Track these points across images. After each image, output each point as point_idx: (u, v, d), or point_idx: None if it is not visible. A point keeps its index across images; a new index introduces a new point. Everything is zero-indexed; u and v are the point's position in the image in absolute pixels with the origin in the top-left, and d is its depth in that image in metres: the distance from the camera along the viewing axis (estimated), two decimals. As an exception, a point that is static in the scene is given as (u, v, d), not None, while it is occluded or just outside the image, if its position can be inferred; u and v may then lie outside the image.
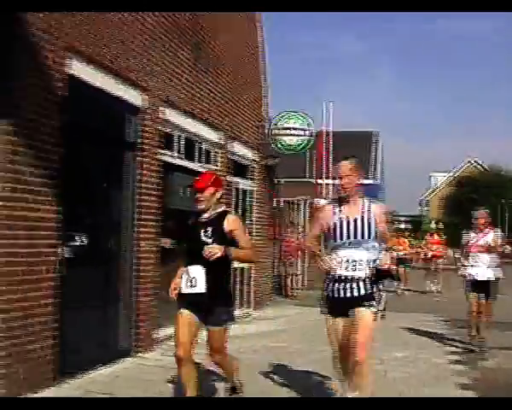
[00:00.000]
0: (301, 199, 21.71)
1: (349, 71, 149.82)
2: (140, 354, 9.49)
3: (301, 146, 16.85)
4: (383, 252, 6.57)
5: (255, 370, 8.67)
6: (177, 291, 6.44)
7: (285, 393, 7.67)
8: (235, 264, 6.18)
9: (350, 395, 6.13)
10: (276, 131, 16.55)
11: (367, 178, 35.01)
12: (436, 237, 23.04)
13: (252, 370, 8.49)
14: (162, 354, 9.60)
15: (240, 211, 14.52)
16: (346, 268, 6.21)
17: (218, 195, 6.49)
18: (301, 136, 16.72)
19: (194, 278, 6.32)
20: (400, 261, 20.43)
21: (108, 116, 9.11)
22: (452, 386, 8.26)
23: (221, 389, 7.26)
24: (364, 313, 6.21)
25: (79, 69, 8.00)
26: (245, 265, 13.75)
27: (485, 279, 10.73)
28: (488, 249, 10.66)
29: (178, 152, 11.22)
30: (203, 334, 6.53)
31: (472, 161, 72.85)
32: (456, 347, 11.20)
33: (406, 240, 22.67)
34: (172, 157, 10.93)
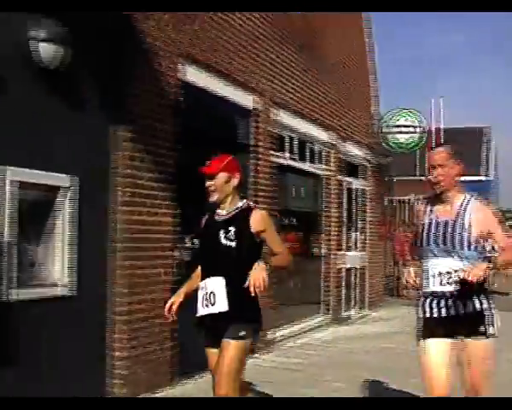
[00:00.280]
0: (413, 197, 21.33)
1: (457, 67, 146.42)
2: (256, 355, 9.53)
3: (412, 144, 16.47)
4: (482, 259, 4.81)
5: (365, 371, 8.61)
6: (172, 311, 5.18)
7: (393, 395, 7.54)
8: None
9: None
10: (387, 130, 16.30)
11: (477, 175, 34.04)
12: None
13: (361, 371, 8.46)
14: (278, 355, 9.63)
15: (354, 211, 14.43)
16: (441, 282, 4.86)
17: (234, 182, 4.94)
18: (412, 133, 16.36)
19: (212, 294, 4.86)
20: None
21: (221, 119, 9.19)
22: None
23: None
24: (478, 343, 4.87)
25: (192, 74, 8.11)
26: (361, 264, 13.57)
27: None
28: None
29: (290, 153, 11.23)
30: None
31: None
32: None
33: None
34: (284, 158, 10.96)
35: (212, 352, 4.97)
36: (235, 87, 9.16)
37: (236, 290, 4.77)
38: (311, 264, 12.64)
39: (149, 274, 7.29)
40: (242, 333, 4.77)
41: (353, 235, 14.61)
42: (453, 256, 4.85)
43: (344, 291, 13.72)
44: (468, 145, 24.63)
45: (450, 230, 4.89)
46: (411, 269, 4.95)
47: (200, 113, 8.48)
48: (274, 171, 10.19)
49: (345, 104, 13.63)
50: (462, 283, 4.75)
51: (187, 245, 8.19)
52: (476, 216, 4.89)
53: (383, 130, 16.29)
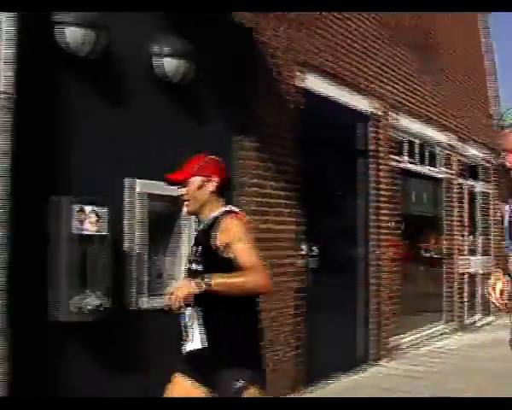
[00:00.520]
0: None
1: None
2: (379, 362, 9.43)
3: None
4: None
5: (490, 379, 8.43)
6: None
7: None
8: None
9: None
10: (509, 129, 15.72)
11: None
12: None
13: (486, 378, 8.35)
14: (402, 363, 9.49)
15: (476, 214, 14.05)
16: None
17: (210, 187, 4.04)
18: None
19: (188, 328, 4.02)
20: None
21: (340, 125, 9.16)
22: None
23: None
24: None
25: (311, 82, 8.12)
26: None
27: None
28: None
29: (410, 157, 11.07)
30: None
31: None
32: None
33: None
34: (404, 162, 10.80)
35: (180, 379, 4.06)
36: (351, 92, 9.11)
37: (212, 322, 3.91)
38: (430, 269, 12.40)
39: (275, 282, 7.32)
40: (239, 384, 3.83)
41: (475, 239, 14.24)
42: None
43: (467, 297, 13.37)
44: None
45: None
46: (497, 282, 4.13)
47: (319, 119, 8.46)
48: (394, 176, 10.06)
49: (463, 105, 13.31)
50: None
51: (312, 253, 8.22)
52: None
53: (504, 129, 15.73)
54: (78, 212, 5.16)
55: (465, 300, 13.28)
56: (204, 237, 3.98)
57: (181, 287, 3.84)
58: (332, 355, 8.53)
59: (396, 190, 10.06)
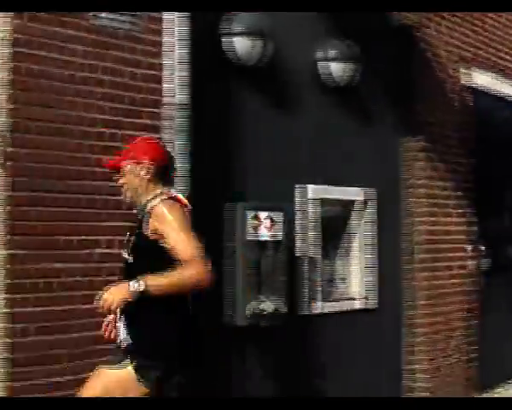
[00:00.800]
0: None
1: None
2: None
3: None
4: None
5: None
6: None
7: None
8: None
9: None
10: None
11: None
12: None
13: None
14: None
15: None
16: None
17: (143, 172, 3.68)
18: None
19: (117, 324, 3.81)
20: None
21: (509, 121, 8.84)
22: None
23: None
24: None
25: (477, 78, 7.88)
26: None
27: None
28: None
29: None
30: None
31: None
32: None
33: None
34: None
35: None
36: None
37: (137, 318, 3.62)
38: None
39: (446, 285, 7.17)
40: (142, 376, 3.57)
41: None
42: None
43: None
44: None
45: None
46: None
47: (486, 116, 8.20)
48: None
49: None
50: None
51: (483, 254, 7.96)
52: None
53: None
54: (252, 218, 5.25)
55: None
56: (138, 224, 3.69)
57: (115, 293, 3.50)
58: (507, 360, 8.23)
59: None
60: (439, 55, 7.27)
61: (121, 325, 3.69)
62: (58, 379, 4.30)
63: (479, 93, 7.87)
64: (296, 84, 5.90)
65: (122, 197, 3.82)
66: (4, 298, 4.15)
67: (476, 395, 7.47)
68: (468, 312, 7.42)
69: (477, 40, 7.89)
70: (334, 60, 6.06)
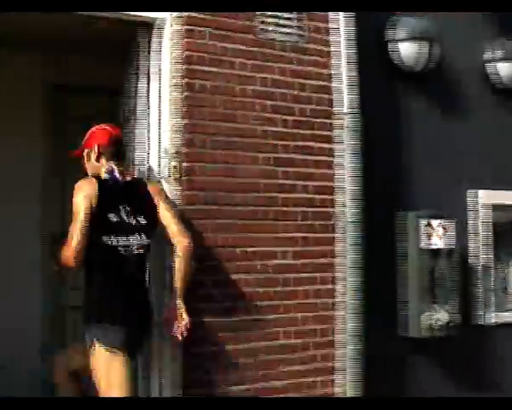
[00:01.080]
0: None
1: None
2: None
3: None
4: None
5: None
6: None
7: None
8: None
9: None
10: None
11: None
12: None
13: None
14: None
15: None
16: None
17: (93, 157, 4.05)
18: None
19: None
20: None
21: None
22: None
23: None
24: None
25: None
26: None
27: None
28: None
29: None
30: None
31: None
32: None
33: None
34: None
35: None
36: None
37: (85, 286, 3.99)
38: None
39: None
40: (87, 342, 3.87)
41: None
42: None
43: None
44: None
45: None
46: None
47: None
48: None
49: None
50: None
51: None
52: None
53: None
54: (425, 226, 5.16)
55: None
56: None
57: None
58: None
59: None
60: None
61: None
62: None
63: None
64: (465, 87, 5.77)
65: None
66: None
67: None
68: None
69: None
70: (501, 60, 5.86)
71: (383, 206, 5.13)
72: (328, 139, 4.76)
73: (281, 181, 4.58)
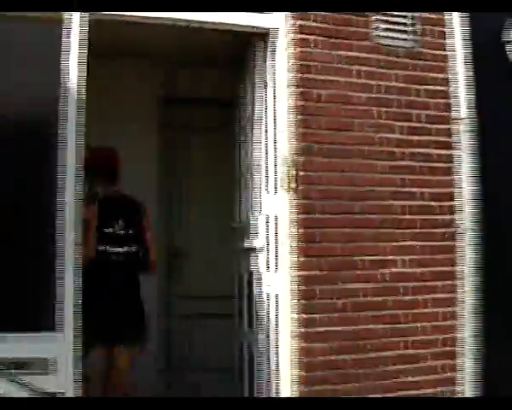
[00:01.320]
0: None
1: None
2: None
3: None
4: None
5: None
6: None
7: None
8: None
9: None
10: None
11: None
12: None
13: None
14: None
15: None
16: None
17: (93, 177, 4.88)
18: None
19: None
20: None
21: None
22: None
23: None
24: None
25: None
26: None
27: None
28: None
29: None
30: None
31: None
32: None
33: None
34: None
35: None
36: None
37: None
38: None
39: None
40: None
41: None
42: None
43: None
44: None
45: None
46: None
47: None
48: None
49: None
50: None
51: None
52: None
53: None
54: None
55: None
56: None
57: None
58: None
59: None
60: None
61: None
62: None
63: None
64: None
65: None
66: (297, 318, 4.27)
67: None
68: None
69: None
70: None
71: (502, 206, 4.97)
72: (446, 145, 4.66)
73: (398, 189, 4.52)
